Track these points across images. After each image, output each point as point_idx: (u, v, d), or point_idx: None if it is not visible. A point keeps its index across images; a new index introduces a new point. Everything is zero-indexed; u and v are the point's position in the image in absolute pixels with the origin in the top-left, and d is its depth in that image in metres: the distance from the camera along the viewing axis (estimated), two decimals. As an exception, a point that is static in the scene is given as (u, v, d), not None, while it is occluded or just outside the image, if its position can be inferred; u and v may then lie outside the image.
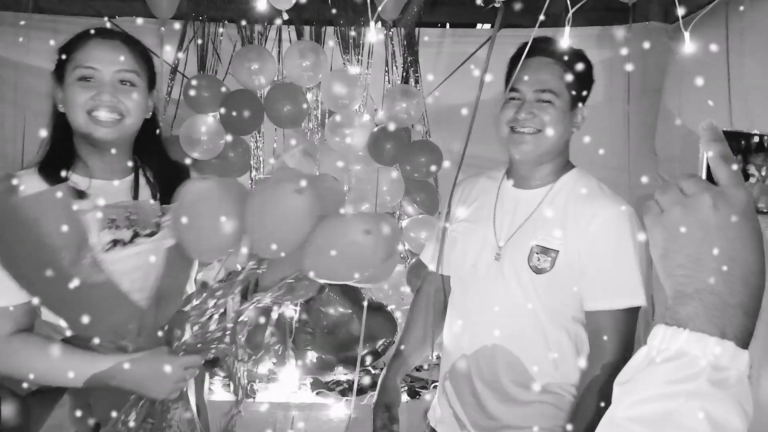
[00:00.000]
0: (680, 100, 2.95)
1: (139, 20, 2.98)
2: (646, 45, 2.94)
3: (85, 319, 1.21)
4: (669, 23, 2.96)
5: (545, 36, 1.53)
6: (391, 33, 3.07)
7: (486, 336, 1.57)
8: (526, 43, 1.49)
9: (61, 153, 1.36)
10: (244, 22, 3.00)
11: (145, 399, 1.26)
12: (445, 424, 1.68)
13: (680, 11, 1.30)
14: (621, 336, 1.46)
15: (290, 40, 3.07)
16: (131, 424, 1.23)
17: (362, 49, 3.10)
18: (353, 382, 2.71)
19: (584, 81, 1.56)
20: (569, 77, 1.50)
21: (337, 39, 3.11)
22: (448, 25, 3.19)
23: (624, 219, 1.48)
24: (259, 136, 3.14)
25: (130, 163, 1.42)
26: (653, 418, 0.58)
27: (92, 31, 1.34)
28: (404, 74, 3.11)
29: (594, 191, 1.53)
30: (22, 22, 2.68)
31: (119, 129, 1.33)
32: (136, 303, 1.29)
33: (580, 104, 1.56)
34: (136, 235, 1.32)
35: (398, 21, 2.92)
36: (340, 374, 2.83)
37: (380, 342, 2.92)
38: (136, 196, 1.39)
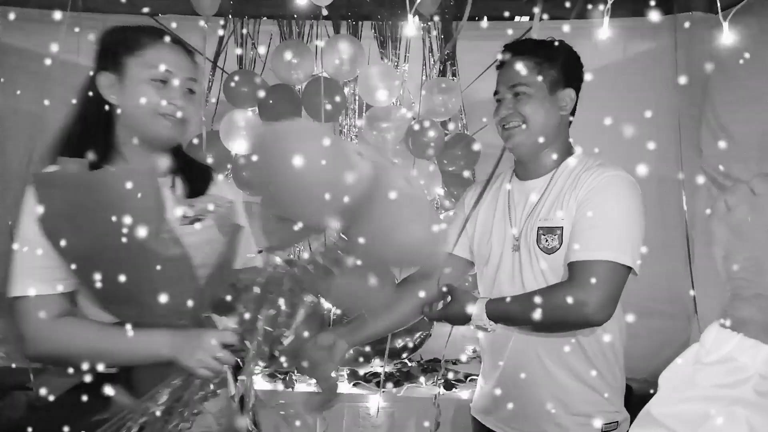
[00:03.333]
0: (726, 92, 2.88)
1: (181, 17, 3.05)
2: (689, 36, 2.87)
3: (151, 298, 1.22)
4: (713, 13, 2.88)
5: (519, 39, 1.67)
6: (428, 26, 3.07)
7: (519, 330, 1.61)
8: (505, 48, 1.63)
9: (103, 145, 1.33)
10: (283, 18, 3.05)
11: (181, 379, 1.25)
12: (491, 415, 1.70)
13: (724, 1, 1.27)
14: (594, 281, 1.43)
15: (328, 35, 3.10)
16: (163, 399, 1.22)
17: (399, 43, 3.11)
18: (389, 374, 2.74)
19: (562, 65, 1.61)
20: (540, 67, 1.58)
21: (375, 33, 3.12)
22: (486, 17, 3.17)
23: (618, 180, 1.51)
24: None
25: (167, 165, 1.41)
26: (692, 418, 0.57)
27: (156, 32, 1.36)
28: (441, 68, 3.10)
29: (592, 166, 1.57)
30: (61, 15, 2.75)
31: (181, 132, 1.37)
32: (199, 279, 1.30)
33: (562, 88, 1.61)
34: (200, 213, 1.36)
35: (435, 14, 2.92)
36: (377, 366, 2.85)
37: (417, 335, 2.93)
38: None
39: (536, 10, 1.92)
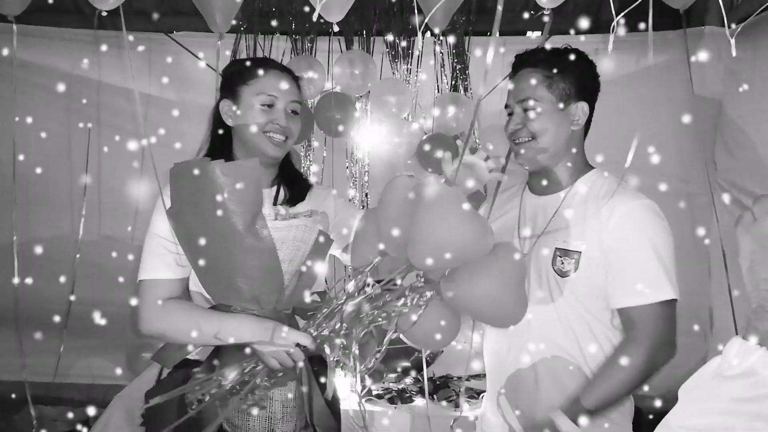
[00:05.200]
0: (740, 106, 2.86)
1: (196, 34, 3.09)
2: (703, 50, 2.86)
3: (240, 285, 1.39)
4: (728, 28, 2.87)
5: (534, 48, 1.60)
6: (440, 41, 3.09)
7: (523, 348, 1.57)
8: (518, 59, 1.59)
9: (226, 161, 1.51)
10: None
11: (255, 363, 1.39)
12: None
13: (737, 15, 1.26)
14: (654, 327, 1.44)
15: (340, 50, 3.12)
16: (231, 377, 1.38)
17: (411, 58, 3.12)
18: (400, 390, 2.73)
19: (575, 77, 1.55)
20: (551, 80, 1.53)
21: (386, 48, 3.14)
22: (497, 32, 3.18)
23: (643, 212, 1.47)
24: (309, 145, 3.20)
25: (273, 176, 1.62)
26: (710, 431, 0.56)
27: (267, 63, 1.58)
28: (453, 82, 3.11)
29: (612, 189, 1.52)
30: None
31: (284, 148, 1.57)
32: (283, 274, 1.45)
33: (575, 101, 1.55)
34: (292, 215, 1.55)
35: (447, 30, 2.93)
36: (389, 382, 2.84)
37: (428, 351, 2.91)
38: (275, 204, 1.60)
39: (545, 31, 1.90)
